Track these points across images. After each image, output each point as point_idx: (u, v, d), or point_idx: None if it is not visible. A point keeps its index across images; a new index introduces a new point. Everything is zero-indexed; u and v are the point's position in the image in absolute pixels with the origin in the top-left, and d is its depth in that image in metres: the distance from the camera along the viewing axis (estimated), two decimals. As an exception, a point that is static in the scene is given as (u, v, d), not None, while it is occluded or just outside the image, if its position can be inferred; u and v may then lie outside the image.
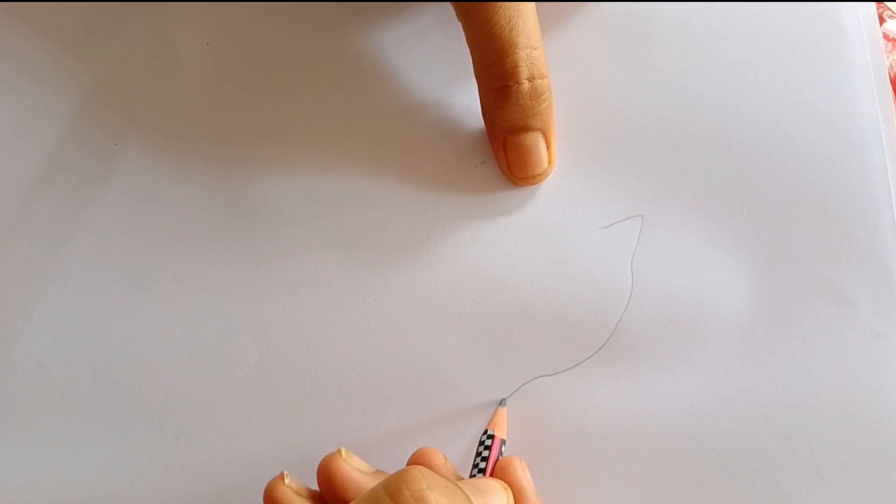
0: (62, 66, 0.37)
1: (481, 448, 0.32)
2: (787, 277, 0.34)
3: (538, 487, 0.32)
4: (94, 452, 0.34)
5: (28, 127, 0.36)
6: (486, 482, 0.30)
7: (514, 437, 0.33)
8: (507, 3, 0.32)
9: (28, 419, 0.34)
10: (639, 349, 0.34)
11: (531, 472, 0.32)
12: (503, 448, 0.32)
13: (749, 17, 0.36)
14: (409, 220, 0.35)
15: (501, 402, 0.34)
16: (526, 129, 0.34)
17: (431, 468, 0.28)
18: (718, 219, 0.35)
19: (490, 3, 0.32)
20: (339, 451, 0.30)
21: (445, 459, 0.31)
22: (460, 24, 0.33)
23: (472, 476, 0.31)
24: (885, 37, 0.37)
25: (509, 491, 0.30)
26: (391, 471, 0.27)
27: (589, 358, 0.34)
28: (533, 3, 0.33)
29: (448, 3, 0.33)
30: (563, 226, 0.35)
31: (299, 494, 0.29)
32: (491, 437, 0.32)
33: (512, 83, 0.32)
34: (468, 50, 0.33)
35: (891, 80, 0.35)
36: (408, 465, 0.29)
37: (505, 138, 0.34)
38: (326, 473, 0.29)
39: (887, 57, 0.36)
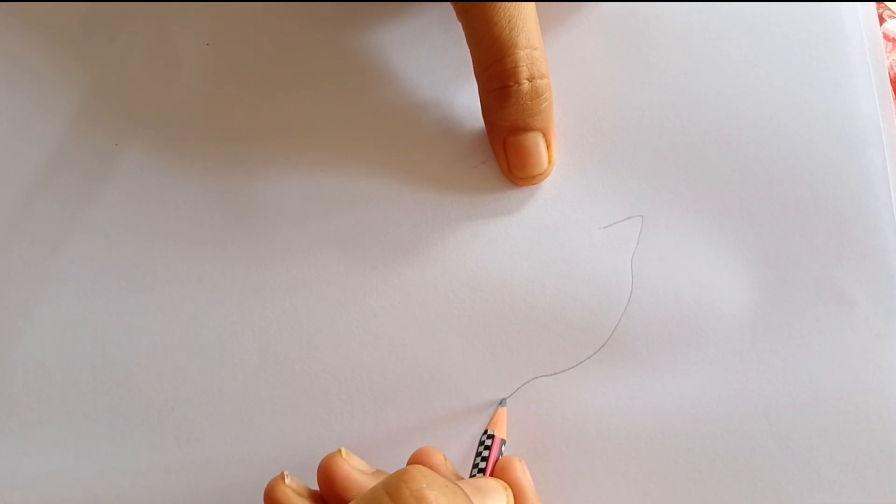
0: (62, 66, 0.37)
1: (481, 448, 0.32)
2: (787, 277, 0.34)
3: (538, 487, 0.32)
4: (94, 452, 0.34)
5: (28, 127, 0.36)
6: (486, 482, 0.30)
7: (514, 437, 0.33)
8: (507, 3, 0.32)
9: (28, 419, 0.34)
10: (639, 349, 0.34)
11: (531, 472, 0.32)
12: (503, 448, 0.32)
13: (749, 17, 0.36)
14: (409, 220, 0.35)
15: (501, 402, 0.34)
16: (526, 129, 0.34)
17: (431, 468, 0.28)
18: (718, 219, 0.35)
19: (490, 3, 0.32)
20: (339, 451, 0.30)
21: (445, 459, 0.31)
22: (460, 24, 0.33)
23: (472, 476, 0.31)
24: (885, 37, 0.37)
25: (509, 491, 0.30)
26: (391, 471, 0.27)
27: (589, 358, 0.34)
28: (533, 3, 0.33)
29: (448, 3, 0.33)
30: (563, 226, 0.35)
31: (299, 494, 0.29)
32: (491, 437, 0.32)
33: (512, 83, 0.32)
34: (468, 50, 0.33)
35: (891, 80, 0.35)
36: (408, 464, 0.29)
37: (505, 138, 0.34)
38: (326, 473, 0.29)
39: (887, 57, 0.36)
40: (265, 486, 0.29)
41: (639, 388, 0.34)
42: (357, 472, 0.29)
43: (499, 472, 0.31)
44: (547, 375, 0.34)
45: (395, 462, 0.31)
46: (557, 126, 0.35)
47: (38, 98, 0.37)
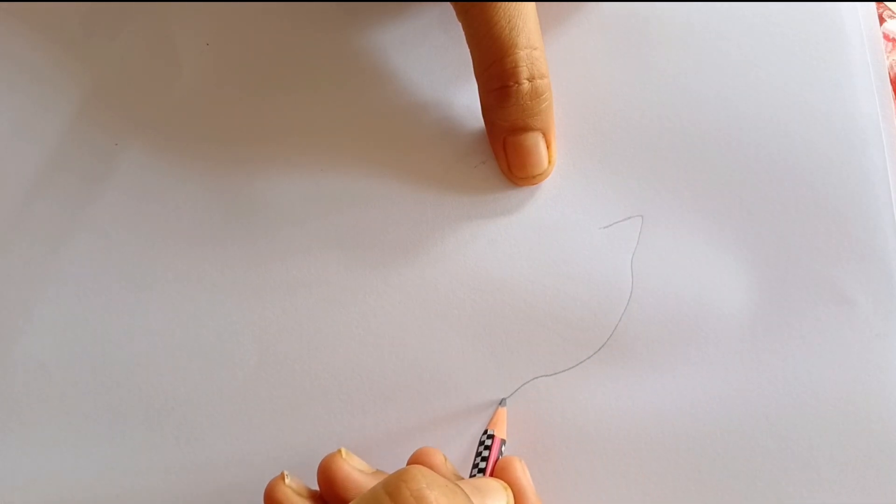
0: (62, 66, 0.37)
1: (481, 448, 0.32)
2: (787, 277, 0.34)
3: (538, 487, 0.32)
4: (94, 452, 0.34)
5: (28, 127, 0.36)
6: (486, 482, 0.30)
7: (514, 437, 0.33)
8: (507, 3, 0.32)
9: (28, 419, 0.34)
10: (639, 349, 0.34)
11: (531, 472, 0.32)
12: (503, 448, 0.32)
13: (749, 17, 0.36)
14: (409, 220, 0.35)
15: (501, 402, 0.34)
16: (526, 129, 0.34)
17: (431, 468, 0.28)
18: (718, 219, 0.35)
19: (490, 3, 0.32)
20: (339, 451, 0.30)
21: (445, 459, 0.31)
22: (460, 24, 0.33)
23: (472, 476, 0.31)
24: (885, 37, 0.37)
25: (509, 491, 0.30)
26: (391, 471, 0.27)
27: (589, 358, 0.34)
28: (533, 3, 0.33)
29: (448, 3, 0.33)
30: (563, 226, 0.35)
31: (299, 494, 0.29)
32: (491, 437, 0.32)
33: (512, 83, 0.32)
34: (468, 50, 0.33)
35: (891, 80, 0.35)
36: (408, 464, 0.29)
37: (505, 138, 0.34)
38: (326, 473, 0.29)
39: (887, 57, 0.36)
40: (265, 486, 0.29)
41: (639, 388, 0.34)
42: (357, 472, 0.29)
43: (499, 472, 0.31)
44: (547, 375, 0.34)
45: (395, 462, 0.31)
46: (557, 126, 0.35)
47: (38, 98, 0.37)
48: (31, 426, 0.34)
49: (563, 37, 0.36)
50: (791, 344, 0.34)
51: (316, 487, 0.30)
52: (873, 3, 0.36)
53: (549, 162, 0.35)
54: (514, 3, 0.32)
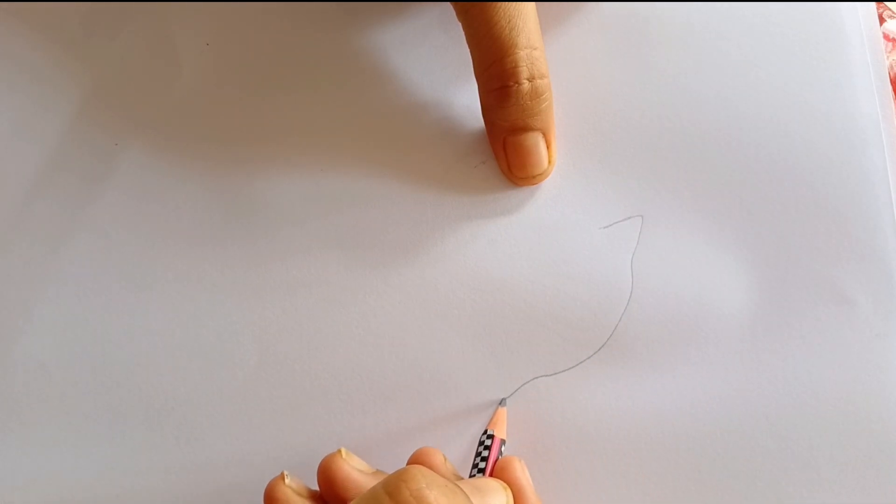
0: (62, 66, 0.37)
1: (481, 448, 0.32)
2: (787, 277, 0.34)
3: (538, 487, 0.32)
4: (94, 452, 0.34)
5: (28, 127, 0.36)
6: (486, 482, 0.30)
7: (514, 437, 0.33)
8: (507, 3, 0.32)
9: (28, 419, 0.34)
10: (639, 349, 0.34)
11: (531, 472, 0.32)
12: (503, 448, 0.32)
13: (749, 17, 0.36)
14: (409, 220, 0.35)
15: (501, 402, 0.34)
16: (526, 129, 0.34)
17: (431, 468, 0.28)
18: (718, 219, 0.35)
19: (490, 3, 0.32)
20: (339, 451, 0.30)
21: (445, 459, 0.31)
22: (460, 24, 0.33)
23: (471, 476, 0.31)
24: (885, 37, 0.37)
25: (509, 491, 0.30)
26: (391, 471, 0.27)
27: (589, 358, 0.34)
28: (533, 3, 0.33)
29: (448, 3, 0.33)
30: (563, 226, 0.35)
31: (299, 494, 0.29)
32: (491, 437, 0.32)
33: (512, 83, 0.32)
34: (468, 50, 0.33)
35: (891, 80, 0.35)
36: (408, 464, 0.29)
37: (505, 138, 0.34)
38: (326, 473, 0.29)
39: (887, 57, 0.36)
40: (265, 486, 0.29)
41: (639, 388, 0.34)
42: (357, 472, 0.29)
43: (498, 472, 0.31)
44: (547, 375, 0.34)
45: (395, 462, 0.31)
46: (557, 126, 0.35)
47: (38, 98, 0.37)
48: (31, 426, 0.34)
49: (563, 37, 0.36)
50: (791, 344, 0.34)
51: (316, 487, 0.30)
52: (873, 3, 0.36)
53: (549, 162, 0.35)
54: (514, 3, 0.32)
